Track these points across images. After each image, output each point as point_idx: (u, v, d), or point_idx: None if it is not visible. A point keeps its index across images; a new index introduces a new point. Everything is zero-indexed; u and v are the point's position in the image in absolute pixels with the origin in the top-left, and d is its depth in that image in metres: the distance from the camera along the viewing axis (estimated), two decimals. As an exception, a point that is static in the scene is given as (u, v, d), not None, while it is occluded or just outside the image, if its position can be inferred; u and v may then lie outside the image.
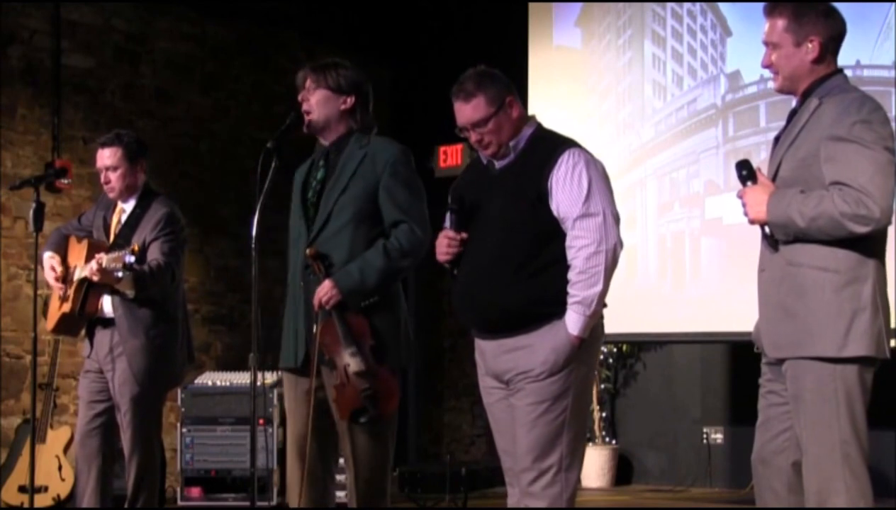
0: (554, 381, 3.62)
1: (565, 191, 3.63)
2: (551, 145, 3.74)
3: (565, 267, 3.63)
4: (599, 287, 3.60)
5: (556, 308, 3.62)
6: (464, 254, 3.75)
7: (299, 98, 4.06)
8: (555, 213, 3.65)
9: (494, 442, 3.87)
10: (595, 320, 3.64)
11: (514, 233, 3.65)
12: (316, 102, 4.02)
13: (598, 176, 3.68)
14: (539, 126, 3.82)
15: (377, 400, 3.89)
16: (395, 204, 3.97)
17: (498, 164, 3.78)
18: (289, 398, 4.12)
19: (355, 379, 3.87)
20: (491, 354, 3.74)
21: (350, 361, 3.87)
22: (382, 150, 4.01)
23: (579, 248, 3.61)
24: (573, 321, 3.60)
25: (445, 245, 3.75)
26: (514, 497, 3.79)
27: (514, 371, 3.66)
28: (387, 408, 3.93)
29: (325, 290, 3.89)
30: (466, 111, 3.72)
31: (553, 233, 3.65)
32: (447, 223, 3.78)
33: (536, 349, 3.62)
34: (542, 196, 3.64)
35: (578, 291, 3.60)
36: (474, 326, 3.81)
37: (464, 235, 3.73)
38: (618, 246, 3.65)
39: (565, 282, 3.62)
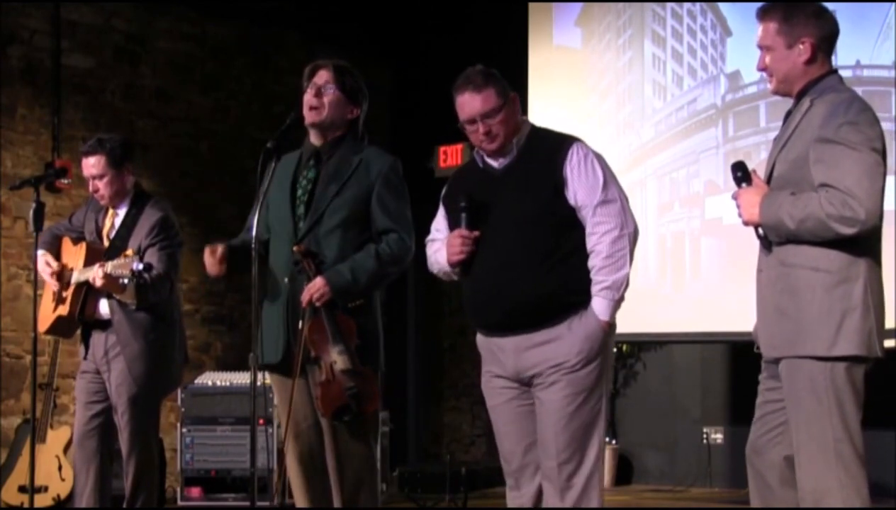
0: (590, 371, 3.65)
1: (582, 179, 3.67)
2: (556, 139, 3.79)
3: (584, 256, 3.67)
4: (626, 270, 3.65)
5: (581, 297, 3.65)
6: (477, 253, 3.73)
7: (313, 91, 4.04)
8: (571, 202, 3.67)
9: (497, 443, 3.85)
10: (620, 305, 3.68)
11: (534, 226, 3.66)
12: (329, 102, 4.03)
13: (606, 166, 3.74)
14: (534, 125, 3.85)
15: (361, 399, 3.91)
16: (387, 213, 4.02)
17: (498, 163, 3.79)
18: (280, 398, 4.13)
19: (341, 377, 3.89)
20: (513, 351, 3.71)
21: (337, 359, 3.89)
22: (377, 160, 4.06)
23: (603, 233, 3.64)
24: (603, 307, 3.64)
25: (460, 244, 3.73)
26: (518, 500, 3.78)
27: (545, 364, 3.65)
28: (368, 408, 3.97)
29: (316, 287, 3.91)
30: (477, 102, 3.72)
31: (570, 223, 3.68)
32: (461, 222, 3.75)
33: (568, 340, 3.63)
34: (559, 187, 3.67)
35: (606, 276, 3.63)
36: (496, 323, 3.75)
37: (477, 233, 3.73)
38: (636, 230, 3.72)
39: (586, 270, 3.65)
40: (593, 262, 3.65)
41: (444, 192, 3.98)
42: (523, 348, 3.69)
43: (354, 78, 4.10)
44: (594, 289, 3.65)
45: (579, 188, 3.67)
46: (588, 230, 3.67)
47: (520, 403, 3.75)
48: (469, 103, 3.74)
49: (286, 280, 4.01)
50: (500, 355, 3.76)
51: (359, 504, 3.99)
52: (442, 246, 3.88)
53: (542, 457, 3.72)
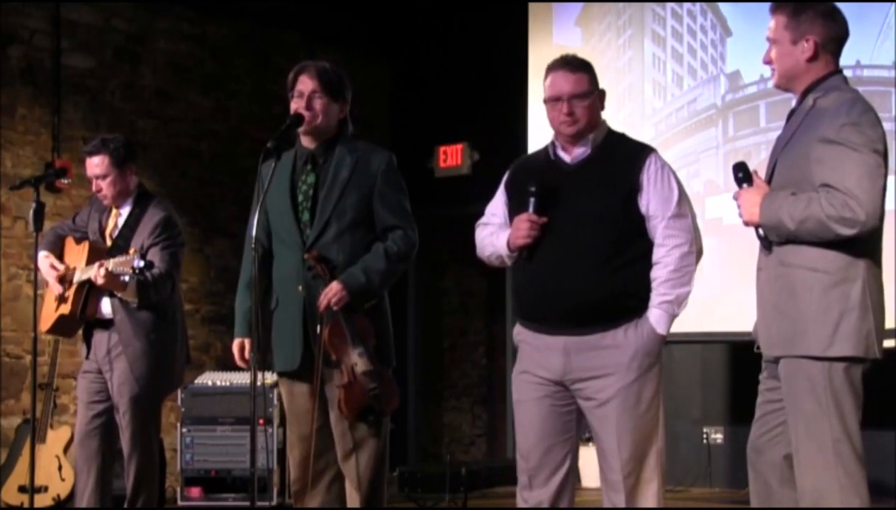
0: (646, 383, 3.64)
1: (657, 189, 3.67)
2: (634, 145, 3.81)
3: (646, 264, 3.66)
4: (690, 287, 3.67)
5: (638, 303, 3.65)
6: (541, 243, 3.69)
7: (303, 101, 4.04)
8: (643, 210, 3.67)
9: (516, 439, 3.80)
10: (674, 319, 3.68)
11: (604, 226, 3.65)
12: (320, 109, 4.05)
13: (681, 183, 3.75)
14: (611, 127, 3.84)
15: (382, 399, 3.96)
16: (390, 210, 4.05)
17: (571, 158, 3.77)
18: (289, 401, 4.13)
19: (363, 378, 3.93)
20: (562, 351, 3.67)
21: (358, 361, 3.93)
22: (373, 158, 4.09)
23: (673, 246, 3.65)
24: (661, 319, 3.64)
25: (527, 228, 3.68)
26: (530, 501, 3.75)
27: (597, 371, 3.63)
28: (390, 408, 4.03)
29: (334, 292, 3.93)
30: (570, 81, 3.73)
31: (636, 229, 3.68)
32: (529, 207, 3.70)
33: (623, 348, 3.62)
34: (632, 192, 3.67)
35: (670, 290, 3.63)
36: (551, 318, 3.69)
37: (545, 219, 3.68)
38: (701, 250, 3.74)
39: (646, 278, 3.65)
40: (658, 274, 3.64)
41: (507, 177, 3.93)
42: (574, 350, 3.65)
43: (338, 76, 4.11)
44: (655, 300, 3.64)
45: (653, 198, 3.66)
46: (657, 241, 3.66)
47: (552, 403, 3.71)
48: (560, 81, 3.73)
49: (300, 287, 4.02)
50: (546, 353, 3.70)
51: (377, 499, 4.04)
52: (497, 230, 3.86)
53: (604, 469, 3.70)
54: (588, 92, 3.73)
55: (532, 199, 3.69)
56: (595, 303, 3.62)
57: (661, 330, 3.64)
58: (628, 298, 3.64)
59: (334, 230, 4.01)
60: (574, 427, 3.75)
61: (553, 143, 3.82)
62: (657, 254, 3.66)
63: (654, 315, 3.64)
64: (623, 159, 3.72)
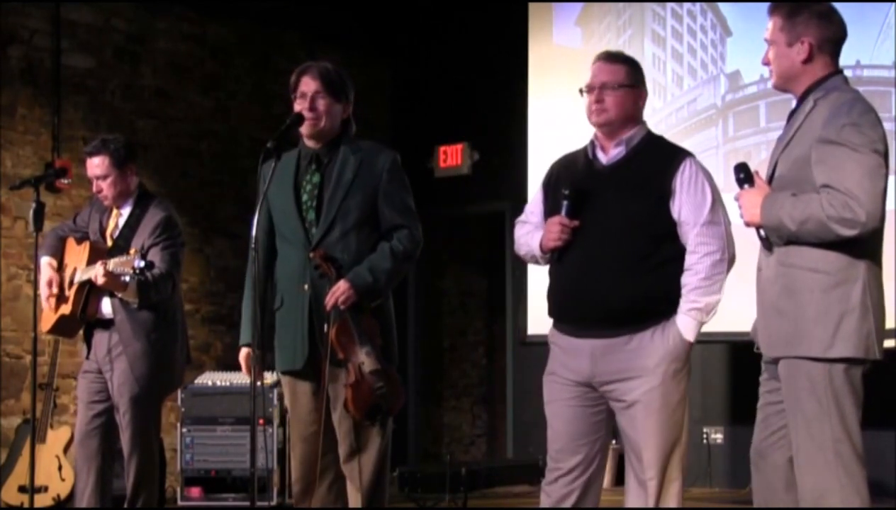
0: (672, 387, 3.64)
1: (690, 195, 3.65)
2: (670, 149, 3.80)
3: (677, 268, 3.65)
4: (719, 296, 3.65)
5: (668, 307, 3.64)
6: (573, 244, 3.70)
7: (306, 103, 4.04)
8: (675, 215, 3.66)
9: (548, 439, 3.81)
10: (702, 326, 3.68)
11: (635, 229, 3.64)
12: (325, 110, 4.05)
13: (715, 187, 3.72)
14: (650, 131, 3.83)
15: (389, 398, 3.97)
16: (396, 209, 4.06)
17: (607, 159, 3.77)
18: (292, 401, 4.13)
19: (370, 377, 3.94)
20: (589, 354, 3.67)
21: (365, 360, 3.94)
22: (377, 157, 4.09)
23: (705, 253, 3.63)
24: (689, 327, 3.63)
25: (558, 231, 3.69)
26: (552, 495, 3.76)
27: (625, 373, 3.63)
28: (396, 407, 4.04)
29: (341, 290, 3.94)
30: (605, 70, 3.75)
31: (668, 234, 3.67)
32: (561, 210, 3.71)
33: (650, 352, 3.62)
34: (664, 197, 3.66)
35: (699, 297, 3.62)
36: (580, 321, 3.71)
37: (577, 223, 3.69)
38: (734, 258, 3.71)
39: (677, 283, 3.64)
40: (688, 281, 3.63)
41: (545, 177, 3.93)
42: (601, 353, 3.65)
43: (340, 77, 4.11)
44: (684, 307, 3.63)
45: (685, 204, 3.65)
46: (689, 248, 3.65)
47: (580, 403, 3.72)
48: (597, 71, 3.76)
49: (305, 286, 4.03)
50: (573, 356, 3.71)
51: (379, 499, 4.04)
52: (534, 229, 3.86)
53: (633, 467, 3.72)
54: (622, 83, 3.73)
55: (565, 202, 3.70)
56: (623, 306, 3.62)
57: (688, 337, 3.64)
58: (657, 302, 3.64)
59: (339, 230, 4.02)
60: (604, 427, 3.75)
61: (592, 142, 3.82)
62: (689, 260, 3.64)
63: (683, 321, 3.63)
64: (657, 163, 3.71)
